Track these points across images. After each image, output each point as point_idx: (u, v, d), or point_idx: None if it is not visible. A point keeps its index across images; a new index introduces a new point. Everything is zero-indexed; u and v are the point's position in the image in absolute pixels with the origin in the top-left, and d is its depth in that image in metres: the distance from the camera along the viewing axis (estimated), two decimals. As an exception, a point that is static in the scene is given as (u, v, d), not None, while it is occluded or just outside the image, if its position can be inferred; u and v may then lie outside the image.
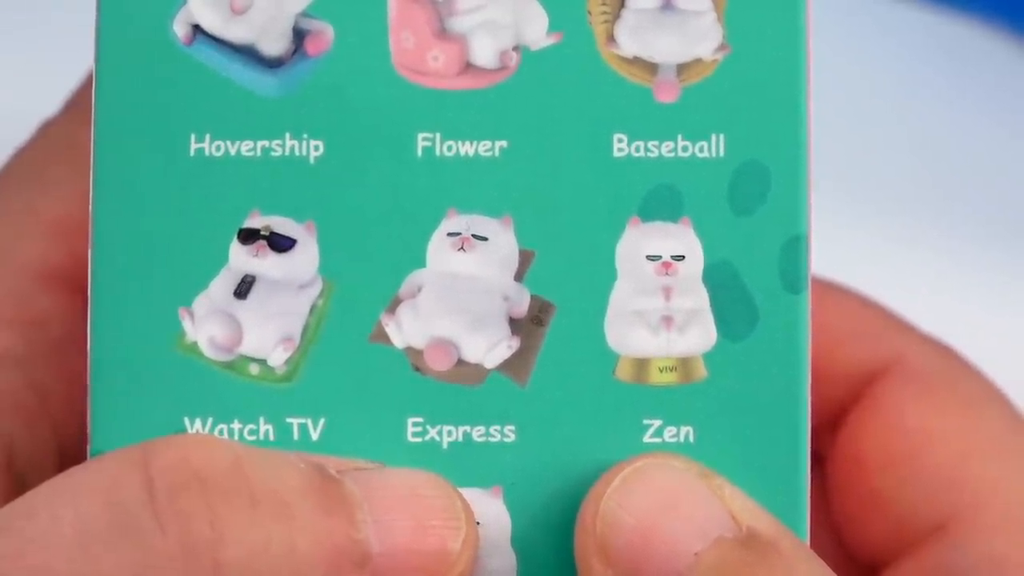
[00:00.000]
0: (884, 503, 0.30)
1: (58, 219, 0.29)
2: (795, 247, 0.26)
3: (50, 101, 0.33)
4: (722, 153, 0.26)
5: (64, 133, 0.30)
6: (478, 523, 0.26)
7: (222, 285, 0.26)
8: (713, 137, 0.26)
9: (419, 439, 0.26)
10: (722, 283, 0.26)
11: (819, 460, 0.32)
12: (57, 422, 0.29)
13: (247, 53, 0.26)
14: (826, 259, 0.33)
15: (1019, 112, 0.43)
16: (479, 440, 0.26)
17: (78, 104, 0.31)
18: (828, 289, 0.31)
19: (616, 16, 0.26)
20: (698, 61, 0.26)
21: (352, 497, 0.24)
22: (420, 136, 0.26)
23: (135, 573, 0.23)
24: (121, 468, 0.24)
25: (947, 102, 0.43)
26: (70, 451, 0.29)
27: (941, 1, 0.42)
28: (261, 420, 0.26)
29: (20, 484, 0.28)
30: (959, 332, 0.37)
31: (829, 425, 0.31)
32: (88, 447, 0.26)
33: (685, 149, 0.26)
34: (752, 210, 0.26)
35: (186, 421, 0.26)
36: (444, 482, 0.25)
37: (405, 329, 0.26)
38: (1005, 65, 0.43)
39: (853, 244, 0.41)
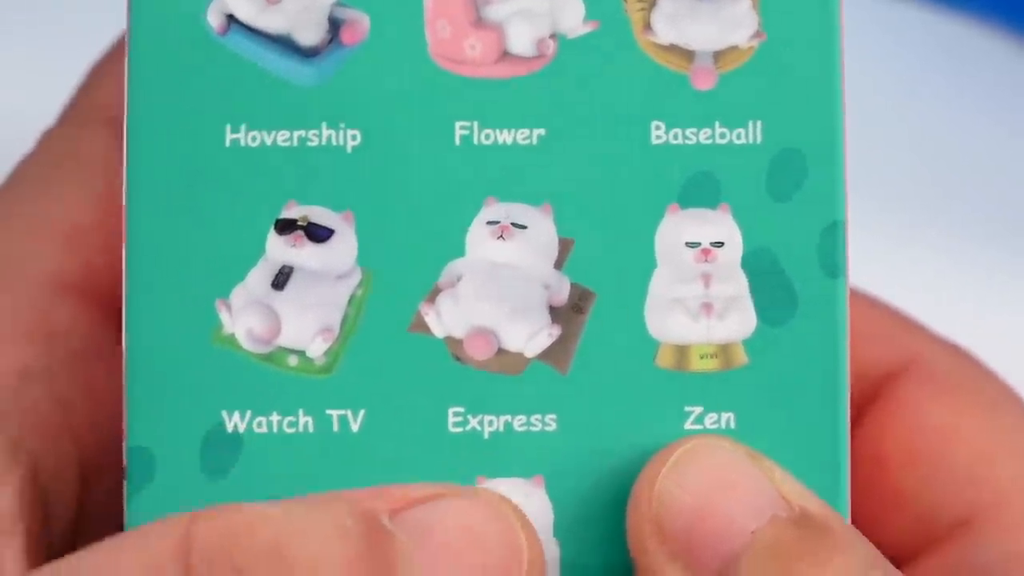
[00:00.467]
0: (905, 501, 0.30)
1: (69, 229, 0.29)
2: (833, 232, 0.26)
3: (51, 102, 0.33)
4: (759, 140, 0.26)
5: (66, 142, 0.30)
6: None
7: (260, 276, 0.26)
8: (750, 124, 0.26)
9: (460, 429, 0.26)
10: (761, 269, 0.26)
11: None
12: (78, 435, 0.29)
13: (282, 43, 0.26)
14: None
15: (1019, 112, 0.43)
16: (520, 430, 0.26)
17: (76, 111, 0.30)
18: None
19: (652, 4, 0.26)
20: (734, 48, 0.26)
21: (402, 552, 0.24)
22: (458, 124, 0.26)
23: None
24: (163, 553, 0.23)
25: (947, 102, 0.43)
26: (91, 463, 0.29)
27: (941, 1, 0.43)
28: (300, 412, 0.26)
29: (44, 499, 0.28)
30: (958, 332, 0.38)
31: (851, 422, 0.31)
32: (124, 441, 0.26)
33: (723, 136, 0.26)
34: (790, 196, 0.26)
35: (224, 414, 0.26)
36: (503, 510, 0.24)
37: (445, 318, 0.26)
38: (1005, 65, 0.43)
39: (852, 244, 0.41)
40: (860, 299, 0.31)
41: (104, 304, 0.29)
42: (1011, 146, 0.43)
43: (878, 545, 0.31)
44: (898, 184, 0.43)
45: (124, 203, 0.26)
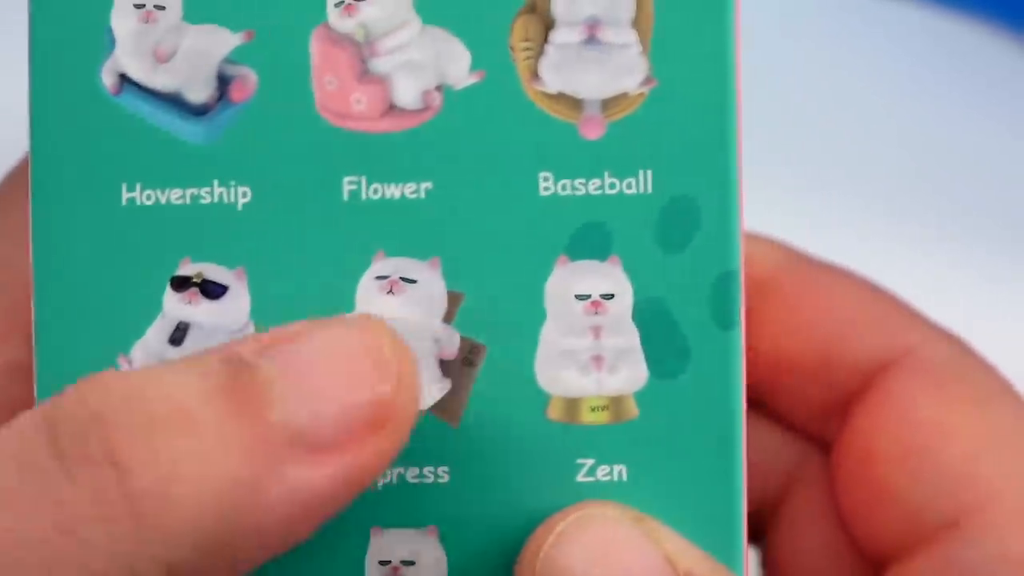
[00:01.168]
0: (895, 497, 0.29)
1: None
2: (726, 282, 0.26)
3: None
4: (650, 189, 0.26)
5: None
6: (412, 563, 0.26)
7: (158, 332, 0.26)
8: (640, 173, 0.26)
9: (353, 482, 0.26)
10: (652, 321, 0.26)
11: (826, 449, 0.31)
12: None
13: (173, 101, 0.26)
14: (823, 258, 0.33)
15: (1019, 112, 0.42)
16: (413, 481, 0.26)
17: None
18: (840, 275, 0.31)
19: (539, 52, 0.26)
20: (624, 96, 0.26)
21: (267, 380, 0.24)
22: (346, 180, 0.26)
23: (61, 530, 0.23)
24: (27, 428, 0.24)
25: (946, 102, 0.42)
26: None
27: (941, 1, 0.42)
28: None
29: None
30: (958, 331, 0.37)
31: (837, 412, 0.30)
32: None
33: (612, 186, 0.26)
34: (682, 247, 0.26)
35: (124, 468, 0.27)
36: (369, 328, 0.24)
37: (336, 373, 0.26)
38: (1005, 65, 0.42)
39: (852, 244, 0.41)
40: (862, 285, 0.31)
41: None
42: (1011, 146, 0.42)
43: (866, 540, 0.31)
44: (897, 184, 0.43)
45: (31, 261, 0.27)
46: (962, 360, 0.30)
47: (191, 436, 0.23)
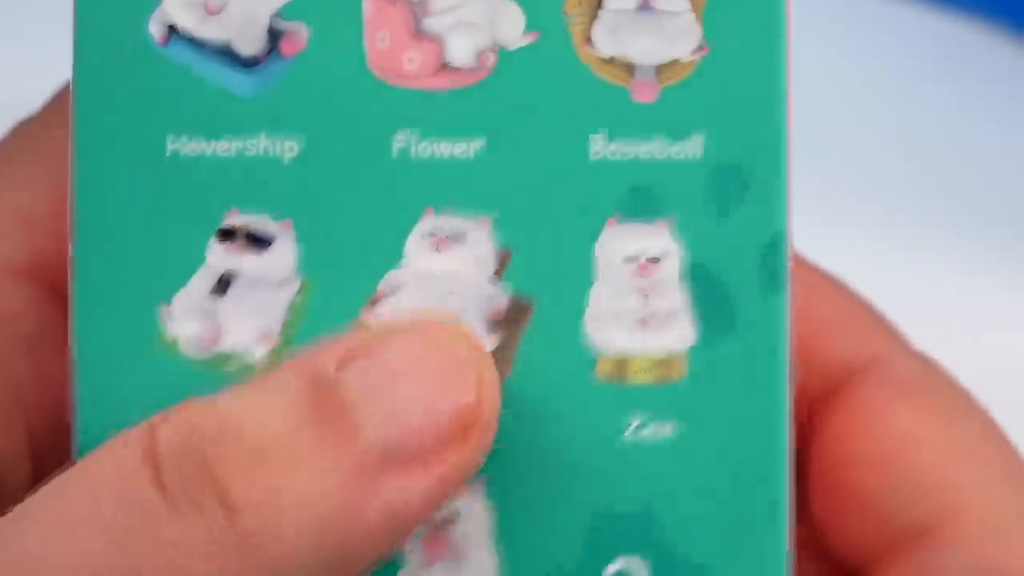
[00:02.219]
0: (868, 505, 0.30)
1: (25, 216, 0.30)
2: (774, 248, 0.26)
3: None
4: (700, 154, 0.26)
5: (36, 132, 0.30)
6: (459, 516, 0.27)
7: (200, 283, 0.27)
8: (691, 138, 0.26)
9: (398, 439, 0.27)
10: (700, 284, 0.26)
11: (796, 454, 0.32)
12: (30, 418, 0.29)
13: (222, 53, 0.26)
14: (823, 258, 0.33)
15: (1019, 112, 0.43)
16: (459, 438, 0.27)
17: (52, 107, 0.31)
18: (821, 278, 0.31)
19: (593, 16, 0.26)
20: (676, 62, 0.26)
21: (351, 402, 0.24)
22: (396, 136, 0.26)
23: (172, 567, 0.24)
24: (129, 463, 0.24)
25: (946, 102, 0.43)
26: (43, 446, 0.29)
27: (941, 1, 0.43)
28: (239, 419, 0.27)
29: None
30: (957, 331, 0.38)
31: (804, 414, 0.31)
32: (74, 444, 0.27)
33: (663, 150, 0.26)
34: (731, 211, 0.26)
35: (164, 420, 0.27)
36: (445, 335, 0.25)
37: (383, 329, 0.27)
38: (1005, 65, 0.43)
39: (850, 244, 0.42)
40: (841, 290, 0.31)
41: (57, 289, 0.30)
42: (1010, 146, 0.43)
43: (839, 547, 0.31)
44: (896, 184, 0.43)
45: (71, 211, 0.27)
46: (932, 374, 0.31)
47: (290, 468, 0.24)
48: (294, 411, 0.24)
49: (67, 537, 0.24)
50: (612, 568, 0.27)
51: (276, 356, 0.26)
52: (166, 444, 0.24)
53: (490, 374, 0.25)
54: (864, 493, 0.30)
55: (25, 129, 0.31)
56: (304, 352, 0.25)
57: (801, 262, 0.31)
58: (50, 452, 0.29)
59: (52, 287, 0.30)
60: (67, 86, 0.32)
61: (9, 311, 0.29)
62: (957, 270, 0.42)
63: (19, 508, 0.25)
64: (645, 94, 0.26)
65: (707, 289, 0.26)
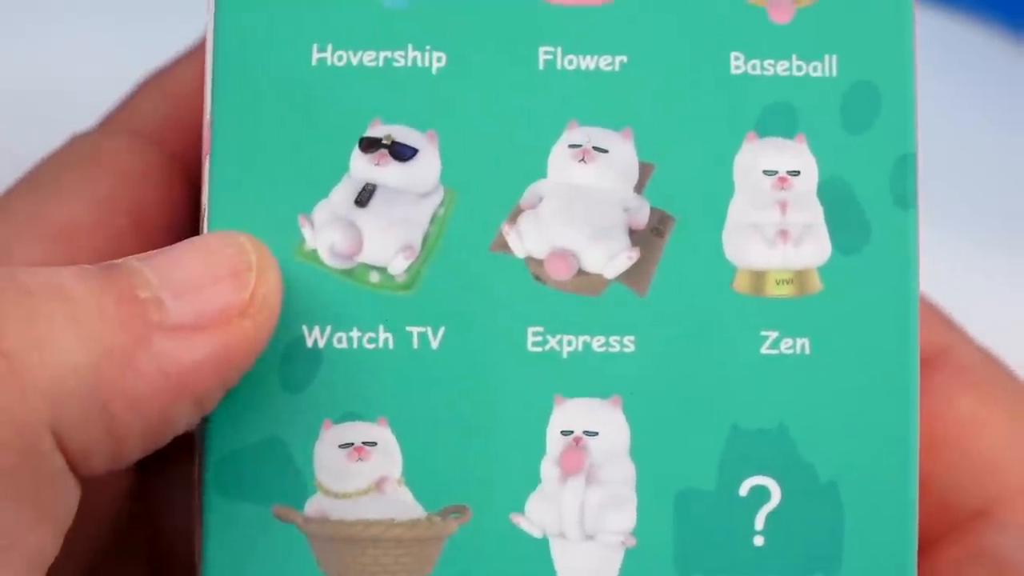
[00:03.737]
0: (928, 485, 0.31)
1: (63, 225, 0.30)
2: (905, 165, 0.28)
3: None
4: (835, 73, 0.28)
5: (90, 143, 0.31)
6: (596, 433, 0.27)
7: (343, 193, 0.27)
8: (826, 57, 0.28)
9: (539, 348, 0.27)
10: (836, 198, 0.28)
11: None
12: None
13: (371, -37, 0.27)
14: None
15: (1019, 112, 0.45)
16: (599, 350, 0.27)
17: (109, 121, 0.32)
18: None
19: (732, -62, 0.28)
20: (810, -16, 0.28)
21: (133, 266, 0.26)
22: (542, 49, 0.27)
23: None
24: None
25: (947, 102, 0.45)
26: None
27: (941, 1, 0.45)
28: (380, 328, 0.27)
29: None
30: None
31: None
32: None
33: (799, 68, 0.28)
34: (864, 129, 0.28)
35: (304, 329, 0.27)
36: (235, 234, 0.26)
37: (526, 239, 0.27)
38: (1005, 65, 0.46)
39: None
40: None
41: None
42: (1010, 146, 0.45)
43: None
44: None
45: (208, 119, 0.27)
46: (994, 365, 0.33)
47: (65, 305, 0.25)
48: (81, 271, 0.26)
49: None
50: (747, 484, 0.28)
51: (416, 268, 0.27)
52: None
53: (269, 265, 0.26)
54: (925, 475, 0.31)
55: (81, 141, 0.32)
56: None
57: None
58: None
59: None
60: (127, 98, 0.33)
61: None
62: (956, 269, 0.44)
63: None
64: (781, 14, 0.28)
65: (841, 204, 0.28)
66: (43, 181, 0.31)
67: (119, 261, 0.26)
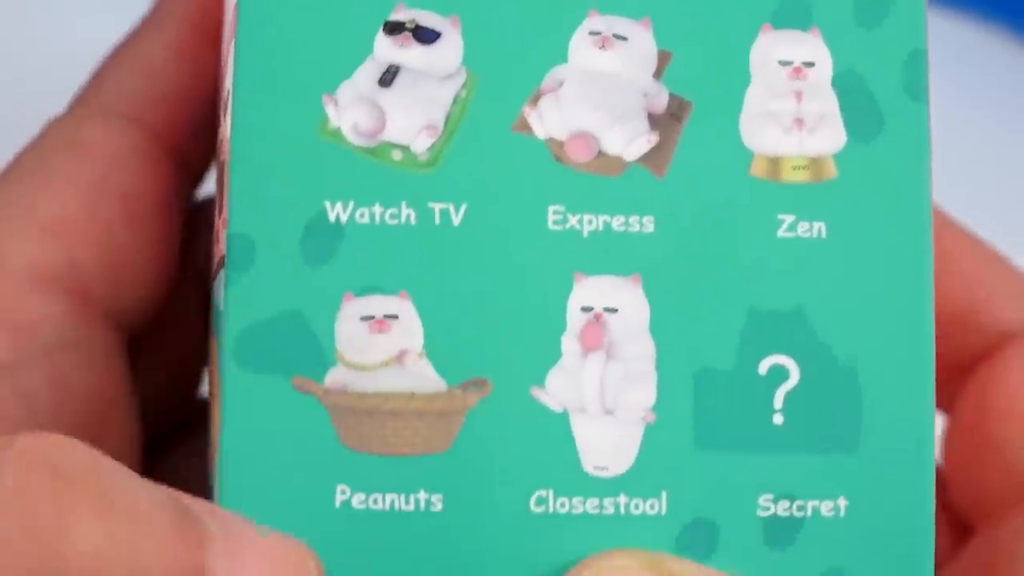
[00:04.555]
0: (1004, 455, 0.32)
1: (55, 219, 0.30)
2: (916, 59, 0.29)
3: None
4: None
5: (65, 133, 0.31)
6: (616, 310, 0.28)
7: (367, 74, 0.28)
8: None
9: (560, 227, 0.28)
10: (850, 90, 0.29)
11: (945, 407, 0.34)
12: (42, 427, 0.30)
13: None
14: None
15: (1019, 111, 0.47)
16: (619, 229, 0.28)
17: (82, 103, 0.32)
18: (984, 244, 0.33)
19: None
20: None
21: (208, 532, 0.25)
22: None
23: None
24: None
25: (946, 102, 0.46)
26: None
27: (941, 1, 0.46)
28: (403, 204, 0.28)
29: None
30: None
31: (957, 376, 0.33)
32: (225, 228, 0.28)
33: None
34: (876, 24, 0.29)
35: (327, 204, 0.28)
36: (301, 546, 0.26)
37: (547, 121, 0.28)
38: (1005, 65, 0.47)
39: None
40: (998, 256, 0.33)
41: (86, 298, 0.31)
42: (1011, 146, 0.46)
43: (962, 495, 0.33)
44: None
45: (235, 1, 0.28)
46: None
47: (137, 533, 0.24)
48: (161, 496, 0.25)
49: None
50: (766, 363, 0.28)
51: (439, 147, 0.28)
52: (19, 445, 0.24)
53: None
54: (1000, 443, 0.32)
55: (58, 128, 0.32)
56: None
57: (969, 233, 0.33)
58: None
59: (82, 294, 0.30)
60: (95, 77, 0.33)
61: (26, 318, 0.30)
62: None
63: None
64: (796, -87, 0.29)
65: (855, 95, 0.28)
66: (28, 173, 0.31)
67: (199, 512, 0.25)
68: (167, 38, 0.32)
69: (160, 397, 0.33)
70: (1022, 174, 0.46)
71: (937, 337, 0.31)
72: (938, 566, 0.33)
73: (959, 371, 0.33)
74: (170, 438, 0.34)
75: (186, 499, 0.26)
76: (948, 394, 0.33)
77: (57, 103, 0.32)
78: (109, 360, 0.31)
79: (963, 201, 0.47)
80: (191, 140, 0.32)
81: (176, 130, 0.32)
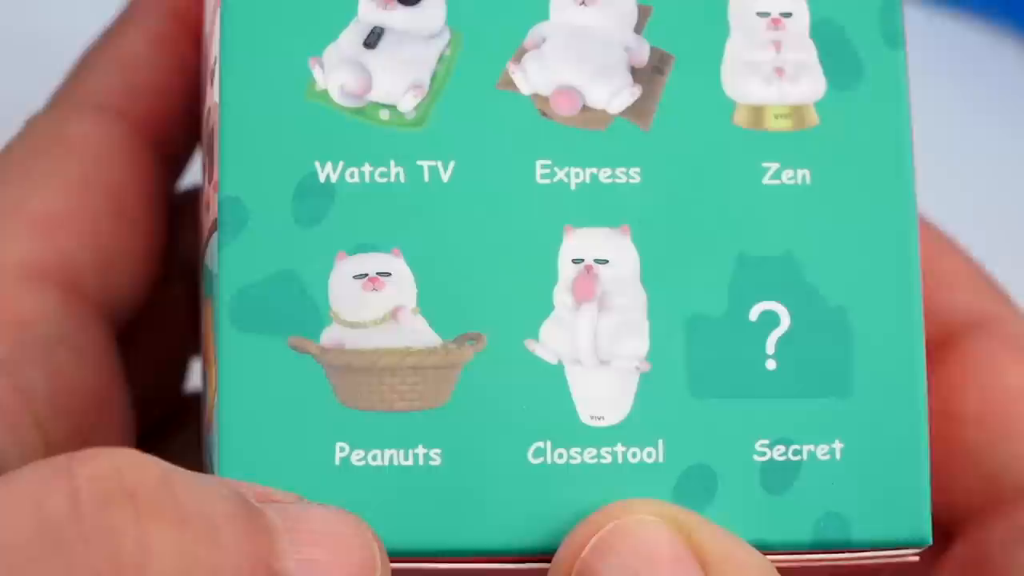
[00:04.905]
0: (975, 459, 0.31)
1: (44, 216, 0.31)
2: (892, 7, 0.29)
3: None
4: None
5: (50, 129, 0.32)
6: (606, 261, 0.28)
7: (352, 36, 0.29)
8: None
9: (547, 180, 0.28)
10: (828, 38, 0.29)
11: None
12: (42, 423, 0.30)
13: None
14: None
15: (1019, 111, 0.47)
16: (606, 181, 0.28)
17: (64, 97, 0.33)
18: (943, 236, 0.33)
19: None
20: None
21: (275, 528, 0.26)
22: None
23: None
24: (45, 478, 0.25)
25: (947, 102, 0.47)
26: (57, 451, 0.30)
27: (941, 1, 0.47)
28: (392, 163, 0.28)
29: None
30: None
31: None
32: (216, 193, 0.28)
33: None
34: (854, -28, 0.29)
35: (316, 164, 0.28)
36: (362, 524, 0.26)
37: (531, 76, 0.29)
38: (1005, 65, 0.47)
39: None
40: (957, 248, 0.33)
41: (77, 292, 0.31)
42: (1011, 146, 0.47)
43: (938, 501, 0.32)
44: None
45: None
46: None
47: (211, 545, 0.25)
48: (228, 503, 0.25)
49: None
50: (757, 309, 0.28)
51: (425, 106, 0.29)
52: (90, 469, 0.24)
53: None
54: (970, 448, 0.31)
55: (42, 124, 0.32)
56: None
57: (925, 221, 0.33)
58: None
59: (74, 289, 0.31)
60: (76, 71, 0.33)
61: (21, 314, 0.30)
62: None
63: None
64: None
65: (834, 43, 0.29)
66: (14, 170, 0.31)
67: (263, 508, 0.26)
68: (146, 30, 0.32)
69: (147, 391, 0.34)
70: (1022, 174, 0.46)
71: None
72: (920, 571, 0.33)
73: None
74: (153, 435, 0.35)
75: (247, 491, 0.26)
76: None
77: (35, 95, 0.33)
78: (103, 354, 0.31)
79: (963, 201, 0.47)
80: (173, 131, 0.32)
81: (158, 122, 0.32)
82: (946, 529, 0.33)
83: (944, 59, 0.47)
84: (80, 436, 0.31)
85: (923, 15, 0.47)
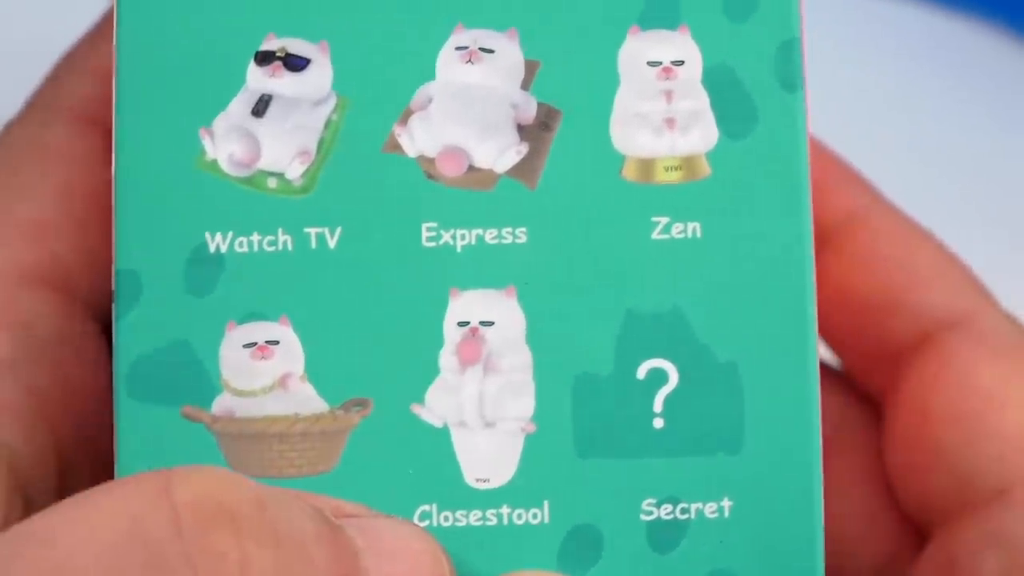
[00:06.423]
0: (948, 459, 0.31)
1: (34, 221, 0.31)
2: (789, 49, 0.29)
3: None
4: None
5: (30, 135, 0.32)
6: (492, 323, 0.28)
7: (240, 105, 0.29)
8: None
9: (433, 244, 0.28)
10: (721, 85, 0.29)
11: (867, 402, 0.33)
12: (54, 424, 0.31)
13: None
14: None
15: (1019, 111, 0.46)
16: (492, 242, 0.28)
17: (41, 104, 0.33)
18: (920, 230, 0.33)
19: None
20: None
21: (355, 546, 0.26)
22: None
23: None
24: (145, 498, 0.25)
25: (946, 102, 0.46)
26: (68, 451, 0.31)
27: (941, 1, 0.46)
28: (280, 231, 0.29)
29: (24, 493, 0.30)
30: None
31: (888, 363, 0.32)
32: (114, 266, 0.29)
33: None
34: (746, 16, 0.29)
35: (207, 235, 0.29)
36: (430, 536, 0.27)
37: (417, 138, 0.29)
38: (1005, 65, 0.46)
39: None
40: (935, 242, 0.33)
41: (71, 294, 0.31)
42: (1011, 146, 0.46)
43: (912, 502, 0.32)
44: (896, 184, 0.45)
45: (114, 37, 0.29)
46: (1021, 335, 0.32)
47: (305, 567, 0.25)
48: (314, 523, 0.26)
49: (66, 565, 0.24)
50: (644, 367, 0.28)
51: (312, 172, 0.29)
52: (188, 491, 0.25)
53: None
54: (943, 448, 0.31)
55: (21, 131, 0.32)
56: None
57: (901, 211, 0.33)
58: (78, 458, 0.30)
59: (70, 292, 0.31)
60: (52, 77, 0.33)
61: (24, 317, 0.31)
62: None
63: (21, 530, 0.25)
64: (661, -85, 0.29)
65: (727, 90, 0.29)
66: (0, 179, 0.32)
67: (341, 525, 0.26)
68: None
69: None
70: (1022, 174, 0.45)
71: (864, 323, 0.30)
72: (897, 571, 0.33)
73: (890, 358, 0.32)
74: None
75: (324, 505, 0.26)
76: (879, 383, 0.32)
77: (7, 103, 0.34)
78: (101, 354, 0.32)
79: (962, 201, 0.46)
80: None
81: None
82: (922, 530, 0.32)
83: (943, 59, 0.46)
84: (87, 437, 0.31)
85: (923, 15, 0.46)
